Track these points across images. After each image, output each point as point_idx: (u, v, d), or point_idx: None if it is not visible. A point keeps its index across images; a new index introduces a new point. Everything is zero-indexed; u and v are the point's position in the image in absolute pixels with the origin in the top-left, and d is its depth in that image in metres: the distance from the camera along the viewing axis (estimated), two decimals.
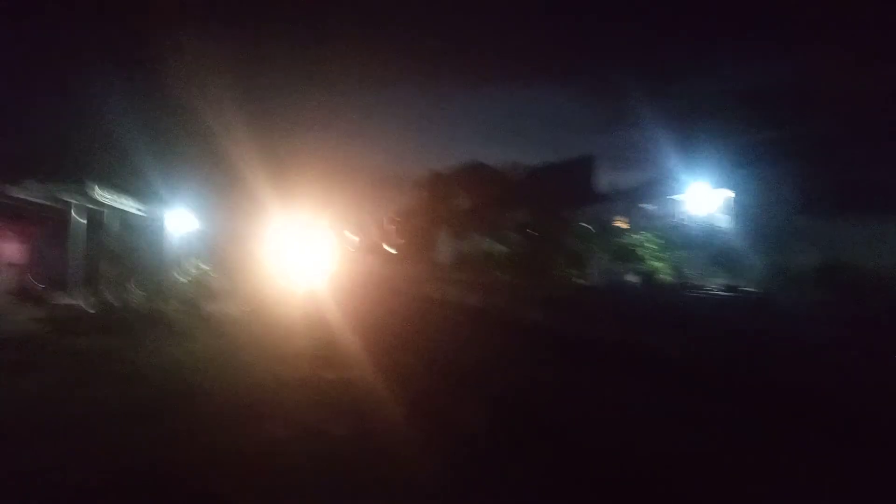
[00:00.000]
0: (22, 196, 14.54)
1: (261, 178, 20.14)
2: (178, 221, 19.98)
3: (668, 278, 18.43)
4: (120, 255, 15.90)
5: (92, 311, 12.79)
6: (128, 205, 17.07)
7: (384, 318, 16.69)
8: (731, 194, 19.12)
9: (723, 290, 16.37)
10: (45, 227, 17.41)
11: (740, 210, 18.77)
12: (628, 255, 19.46)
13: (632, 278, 19.30)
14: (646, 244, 19.21)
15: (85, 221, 16.00)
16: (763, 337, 9.56)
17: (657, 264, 18.77)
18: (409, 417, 6.60)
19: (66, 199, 15.37)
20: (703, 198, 19.64)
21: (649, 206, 22.32)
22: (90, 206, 15.87)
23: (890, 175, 15.24)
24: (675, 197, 20.72)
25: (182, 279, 17.48)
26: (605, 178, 31.27)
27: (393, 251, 50.85)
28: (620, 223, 22.82)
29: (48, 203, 15.77)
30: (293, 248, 30.70)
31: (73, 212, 15.58)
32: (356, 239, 56.85)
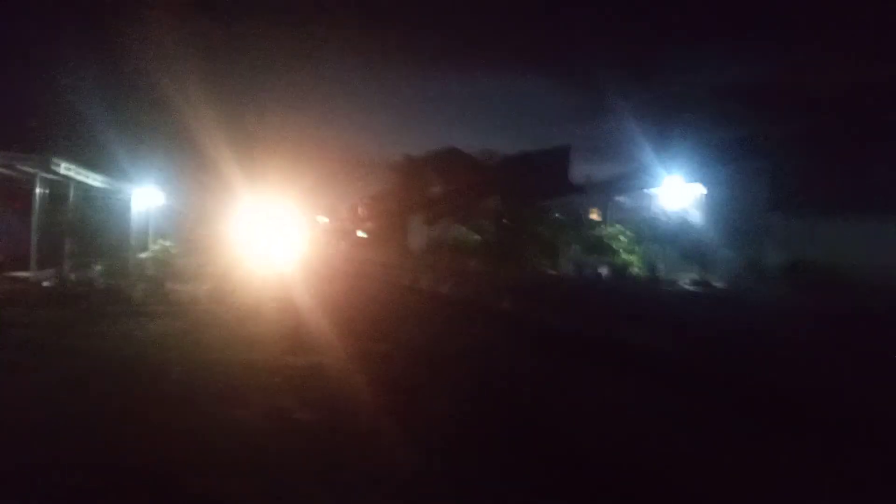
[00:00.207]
0: None
1: (230, 157, 19.71)
2: (145, 198, 19.50)
3: (640, 272, 18.46)
4: (83, 230, 15.42)
5: (49, 286, 12.39)
6: (93, 179, 16.57)
7: (354, 303, 16.46)
8: (704, 190, 19.18)
9: (693, 285, 16.45)
10: (6, 199, 16.85)
11: (713, 206, 18.84)
12: (601, 247, 19.45)
13: (604, 270, 19.31)
14: (619, 237, 19.21)
15: (47, 193, 15.48)
16: (731, 332, 9.58)
17: (629, 257, 18.79)
18: (378, 404, 6.42)
19: (28, 170, 14.85)
20: (676, 192, 19.67)
21: (623, 199, 22.33)
22: (54, 178, 15.35)
23: (860, 174, 15.39)
24: (649, 191, 20.74)
25: (146, 257, 17.07)
26: (581, 170, 31.36)
27: (365, 235, 50.50)
28: (594, 215, 22.82)
29: (8, 173, 15.23)
30: (263, 229, 30.26)
31: (36, 184, 15.04)
32: (328, 222, 56.36)
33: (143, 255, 17.18)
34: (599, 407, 6.77)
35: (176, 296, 13.20)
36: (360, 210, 53.91)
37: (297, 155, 30.11)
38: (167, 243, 17.05)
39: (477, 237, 25.38)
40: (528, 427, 5.88)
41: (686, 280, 16.98)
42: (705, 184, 19.06)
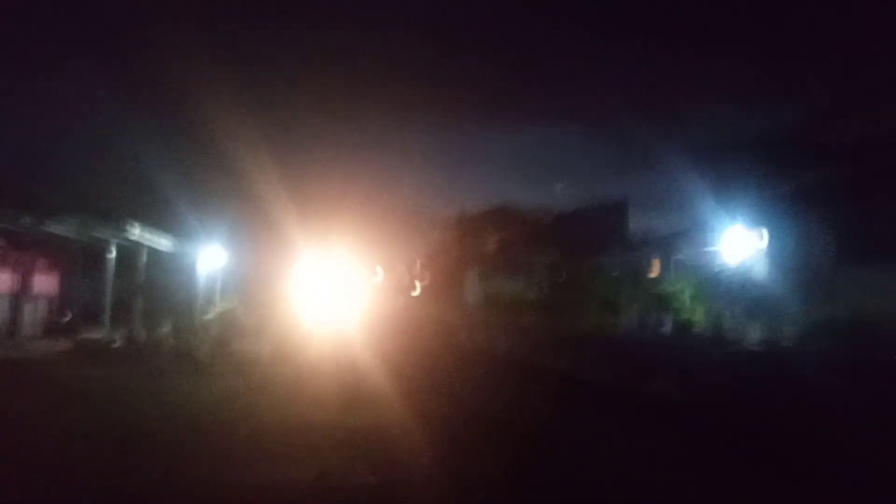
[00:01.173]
0: (57, 230, 14.81)
1: (290, 217, 20.29)
2: (211, 260, 20.17)
3: (704, 329, 17.95)
4: (152, 291, 16.05)
5: (119, 345, 12.85)
6: (160, 241, 17.29)
7: (411, 362, 16.48)
8: (766, 243, 18.70)
9: (758, 344, 15.91)
10: (79, 261, 17.68)
11: (776, 260, 18.32)
12: (662, 304, 19.04)
13: (666, 328, 18.87)
14: (679, 294, 18.80)
15: (118, 256, 16.21)
16: (799, 395, 9.23)
17: (692, 315, 18.32)
18: (435, 467, 6.37)
19: (100, 235, 15.61)
20: (737, 246, 19.20)
21: (683, 254, 21.95)
22: (124, 242, 16.09)
23: None
24: (709, 245, 20.33)
25: (212, 317, 17.55)
26: (638, 224, 30.93)
27: (421, 292, 50.76)
28: (653, 271, 22.45)
29: (83, 238, 16.02)
30: (323, 288, 30.76)
31: (107, 248, 15.80)
32: (385, 279, 56.93)
33: (208, 316, 17.69)
34: (638, 466, 6.58)
35: (239, 355, 13.50)
36: (416, 267, 54.37)
37: (354, 213, 30.76)
38: (231, 304, 17.54)
39: (531, 294, 25.23)
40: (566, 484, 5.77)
41: (752, 338, 16.43)
42: (768, 237, 18.61)
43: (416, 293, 51.84)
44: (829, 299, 15.50)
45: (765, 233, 18.51)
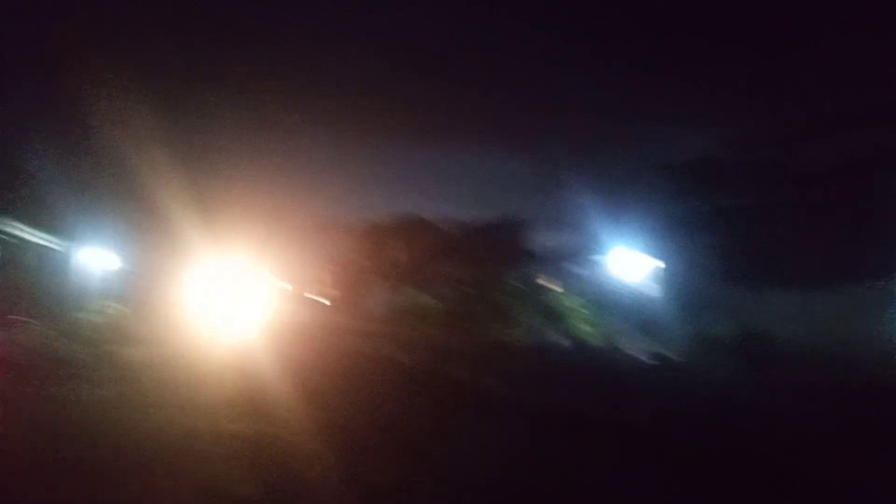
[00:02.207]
0: None
1: (187, 219, 19.49)
2: (99, 260, 19.17)
3: (598, 343, 18.57)
4: (31, 292, 15.05)
5: None
6: (42, 238, 16.27)
7: (311, 370, 16.18)
8: (660, 262, 19.58)
9: (648, 358, 16.61)
10: None
11: (670, 279, 19.21)
12: (559, 317, 19.58)
13: (562, 341, 19.38)
14: (577, 308, 19.39)
15: None
16: (683, 404, 9.69)
17: (588, 328, 18.93)
18: (323, 476, 6.24)
19: None
20: (632, 264, 20.06)
21: (581, 270, 22.63)
22: (3, 238, 15.06)
23: (812, 248, 15.84)
24: (605, 262, 21.09)
25: (98, 320, 16.66)
26: (540, 239, 31.66)
27: (325, 301, 50.02)
28: (553, 285, 23.01)
29: None
30: (219, 292, 29.74)
31: None
32: (288, 287, 55.71)
33: (95, 318, 16.77)
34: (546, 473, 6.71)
35: (125, 360, 12.84)
36: (321, 275, 53.54)
37: (258, 217, 29.90)
38: (121, 306, 16.70)
39: (438, 304, 25.37)
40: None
41: (643, 352, 17.14)
42: (663, 257, 19.49)
43: (322, 301, 51.05)
44: (717, 318, 16.39)
45: (661, 254, 19.41)
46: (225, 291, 30.04)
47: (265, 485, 5.77)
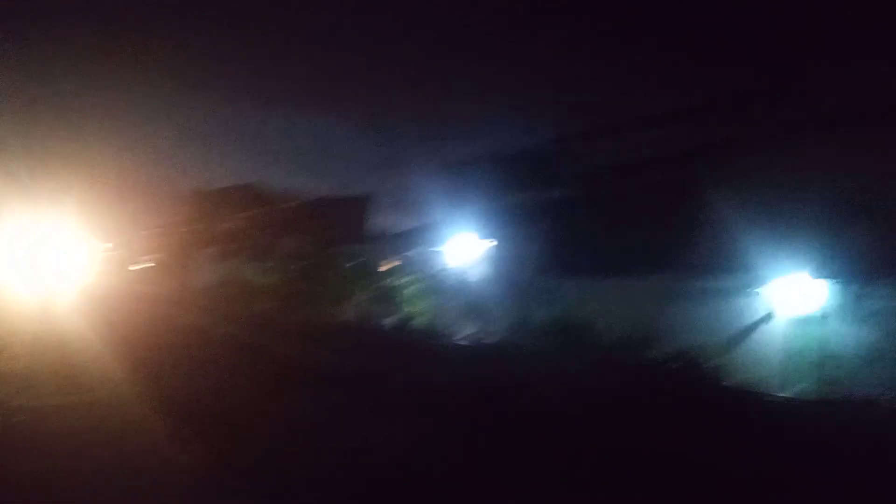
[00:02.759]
0: None
1: None
2: None
3: (424, 323, 19.12)
4: None
5: None
6: None
7: (127, 340, 15.35)
8: (490, 248, 20.48)
9: (466, 339, 17.39)
10: None
11: (496, 264, 20.16)
12: (389, 297, 19.93)
13: (390, 320, 19.74)
14: (407, 288, 19.83)
15: None
16: (496, 382, 10.37)
17: (415, 309, 19.43)
18: (146, 452, 6.07)
19: None
20: (465, 249, 20.81)
21: (415, 252, 23.13)
22: None
23: (616, 239, 17.26)
24: (439, 246, 21.71)
25: None
26: (379, 219, 31.91)
27: (150, 268, 47.13)
28: (387, 265, 23.33)
29: None
30: (35, 255, 27.21)
31: None
32: (110, 250, 51.84)
33: None
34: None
35: None
36: (146, 240, 50.32)
37: (78, 175, 27.62)
38: None
39: (268, 278, 24.84)
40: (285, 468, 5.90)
41: (464, 333, 17.89)
42: (491, 244, 20.41)
43: (144, 266, 48.00)
44: (542, 304, 17.47)
45: (491, 239, 20.32)
46: (40, 255, 27.54)
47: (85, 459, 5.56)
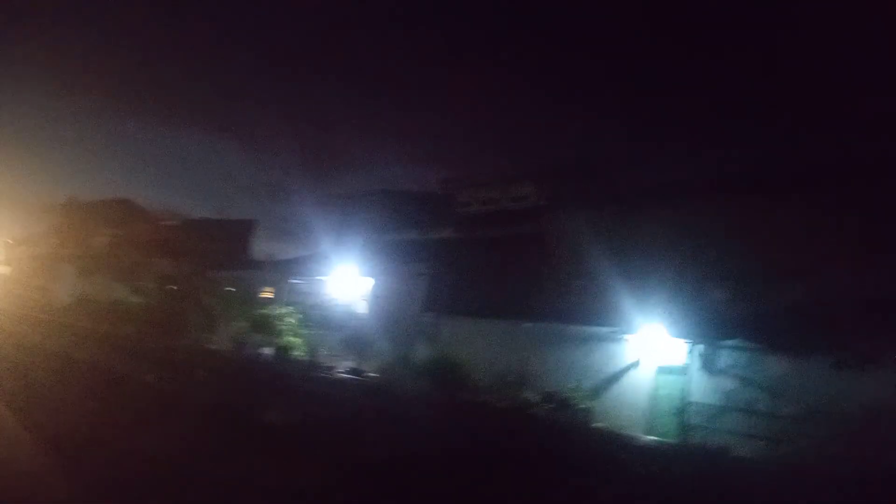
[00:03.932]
0: None
1: None
2: None
3: (303, 355, 18.59)
4: None
5: None
6: None
7: None
8: (371, 284, 20.29)
9: (347, 373, 17.11)
10: None
11: (379, 301, 19.98)
12: (268, 326, 19.25)
13: (267, 350, 19.06)
14: (287, 318, 19.24)
15: None
16: (370, 415, 10.28)
17: (294, 339, 18.86)
18: None
19: None
20: (348, 284, 20.56)
21: (300, 282, 22.58)
22: None
23: (494, 285, 17.58)
24: (322, 278, 21.32)
25: None
26: (264, 247, 31.01)
27: (7, 278, 43.27)
28: (267, 293, 22.60)
29: None
30: None
31: None
32: None
33: None
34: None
35: None
36: (5, 247, 46.31)
37: None
38: None
39: (138, 299, 23.47)
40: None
41: (344, 367, 17.57)
42: (374, 280, 20.24)
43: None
44: (420, 341, 17.45)
45: (373, 276, 20.16)
46: None
47: None
